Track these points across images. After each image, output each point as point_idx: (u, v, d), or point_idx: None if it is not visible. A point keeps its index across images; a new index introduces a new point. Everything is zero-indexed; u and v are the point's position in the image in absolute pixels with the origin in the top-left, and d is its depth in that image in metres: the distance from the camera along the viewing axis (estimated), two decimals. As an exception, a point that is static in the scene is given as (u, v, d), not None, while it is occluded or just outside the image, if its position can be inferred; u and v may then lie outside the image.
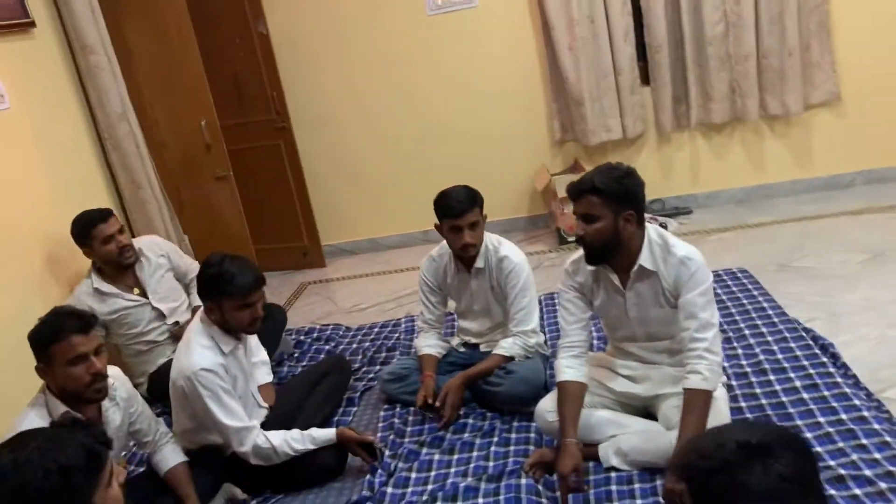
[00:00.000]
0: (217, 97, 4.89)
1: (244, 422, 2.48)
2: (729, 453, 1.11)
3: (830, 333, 3.02)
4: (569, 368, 2.40)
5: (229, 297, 2.46)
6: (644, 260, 2.28)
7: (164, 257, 3.41)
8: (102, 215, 3.16)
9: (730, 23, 4.46)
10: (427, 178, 4.87)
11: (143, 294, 3.29)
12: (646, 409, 2.48)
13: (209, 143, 3.89)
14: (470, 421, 2.79)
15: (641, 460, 2.32)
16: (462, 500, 2.33)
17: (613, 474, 2.33)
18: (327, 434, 2.57)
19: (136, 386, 3.14)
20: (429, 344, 3.00)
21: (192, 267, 3.48)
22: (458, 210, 2.71)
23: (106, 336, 3.23)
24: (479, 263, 2.87)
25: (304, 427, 2.65)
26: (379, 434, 2.81)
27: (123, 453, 2.84)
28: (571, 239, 4.63)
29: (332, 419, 2.99)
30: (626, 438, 2.37)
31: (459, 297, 3.01)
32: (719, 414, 2.27)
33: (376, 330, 3.77)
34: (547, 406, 2.48)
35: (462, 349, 3.08)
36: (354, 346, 3.64)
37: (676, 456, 1.28)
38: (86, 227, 3.14)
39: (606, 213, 2.21)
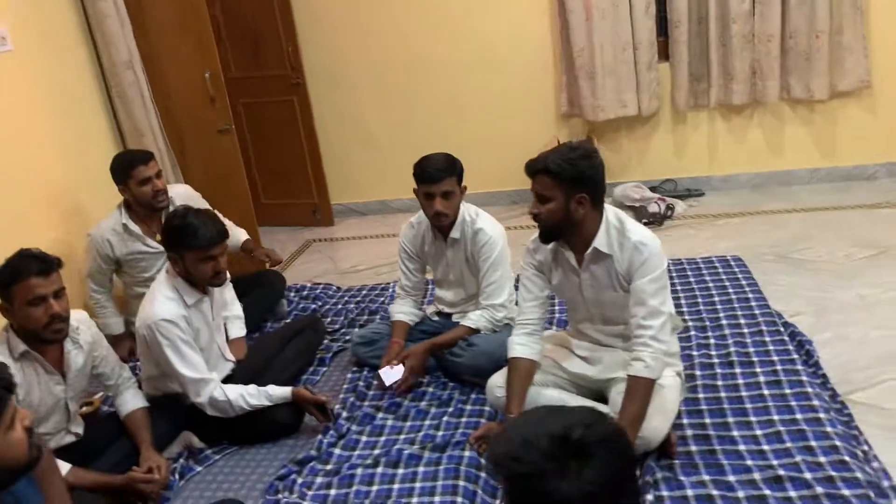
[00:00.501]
0: (234, 50, 4.97)
1: (202, 373, 2.54)
2: (540, 455, 1.07)
3: (813, 330, 2.94)
4: (520, 346, 2.39)
5: (192, 249, 2.51)
6: (599, 242, 2.24)
7: None
8: (144, 157, 3.19)
9: (756, 0, 4.28)
10: (437, 143, 4.78)
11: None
12: (600, 392, 2.46)
13: (213, 96, 3.92)
14: (430, 389, 2.81)
15: (584, 443, 2.31)
16: (404, 466, 2.36)
17: (555, 454, 2.33)
18: (283, 392, 2.62)
19: (129, 324, 3.26)
20: (402, 311, 3.01)
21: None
22: (433, 176, 2.70)
23: (116, 272, 3.34)
24: (455, 234, 2.86)
25: (272, 382, 2.71)
26: (341, 395, 2.85)
27: (99, 394, 2.94)
28: (577, 214, 4.56)
29: (301, 377, 3.05)
30: (571, 420, 2.35)
31: (436, 265, 3.01)
32: (664, 403, 2.25)
33: (364, 293, 3.80)
34: (497, 381, 2.48)
35: (436, 318, 3.09)
36: (339, 306, 3.67)
37: (492, 445, 1.24)
38: (126, 166, 3.16)
39: (558, 195, 2.18)
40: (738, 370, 2.65)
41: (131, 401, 2.61)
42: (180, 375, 2.52)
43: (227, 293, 3.02)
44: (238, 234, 3.45)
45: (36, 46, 3.34)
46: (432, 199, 2.72)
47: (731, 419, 2.39)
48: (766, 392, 2.49)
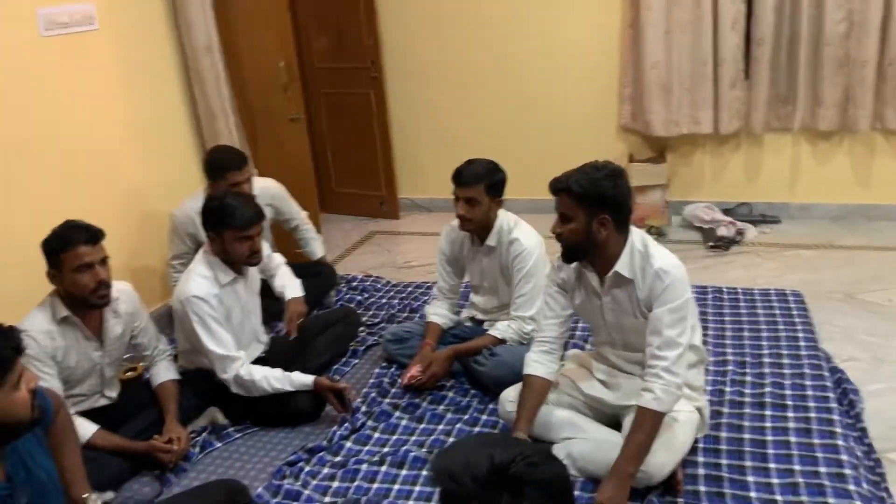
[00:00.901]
0: (319, 42, 5.10)
1: (229, 351, 2.64)
2: (474, 481, 1.07)
3: (864, 379, 2.77)
4: (535, 363, 2.37)
5: (230, 228, 2.60)
6: (621, 266, 2.18)
7: (270, 207, 3.52)
8: (238, 163, 3.24)
9: (854, 22, 4.04)
10: (506, 145, 4.83)
11: None
12: (616, 418, 2.41)
13: (286, 85, 4.04)
14: (450, 394, 2.81)
15: (588, 468, 2.27)
16: (408, 468, 2.38)
17: (559, 476, 2.29)
18: (305, 379, 2.68)
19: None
20: (437, 312, 3.03)
21: (298, 215, 3.66)
22: (459, 180, 2.71)
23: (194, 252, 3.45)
24: (492, 242, 2.84)
25: (301, 369, 2.78)
26: (364, 389, 2.90)
27: (143, 364, 3.08)
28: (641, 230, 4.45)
29: (332, 366, 3.11)
30: (578, 443, 2.31)
31: (472, 271, 3.01)
32: (673, 438, 2.18)
33: (409, 290, 3.83)
34: (509, 396, 2.46)
35: (469, 324, 3.09)
36: (384, 301, 3.72)
37: (438, 456, 1.24)
38: (222, 168, 3.23)
39: (579, 215, 2.14)
40: (768, 412, 2.53)
41: (163, 372, 2.73)
42: (208, 351, 2.62)
43: (279, 266, 3.11)
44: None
45: (121, 26, 3.52)
46: (457, 202, 2.74)
47: (748, 463, 2.29)
48: (792, 439, 2.37)
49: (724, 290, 3.50)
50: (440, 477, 1.10)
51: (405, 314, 3.52)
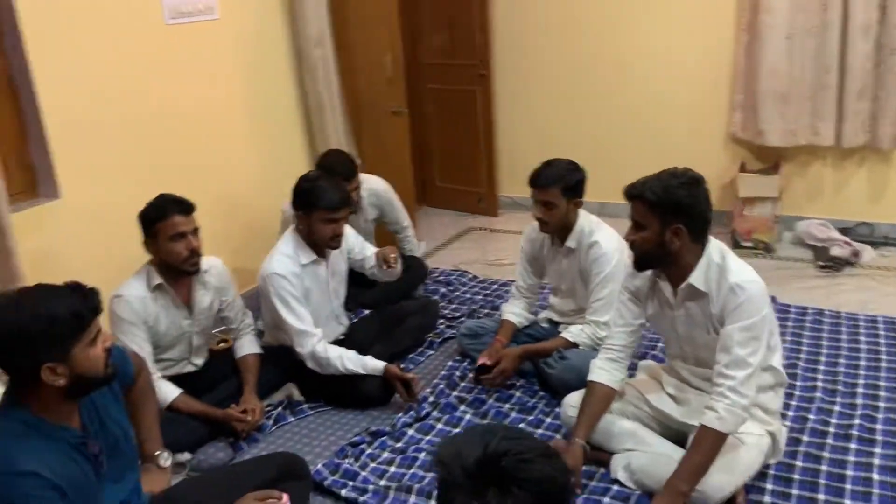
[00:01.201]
0: (432, 37, 5.18)
1: (307, 326, 2.74)
2: (462, 470, 1.06)
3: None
4: (600, 370, 2.32)
5: (318, 209, 2.71)
6: (695, 279, 2.10)
7: (374, 207, 3.69)
8: (348, 174, 3.33)
9: None
10: (609, 149, 4.76)
11: None
12: (683, 435, 2.31)
13: (391, 78, 4.14)
14: (517, 394, 2.80)
15: (645, 483, 2.20)
16: (464, 462, 2.39)
17: (615, 487, 2.25)
18: (377, 364, 2.75)
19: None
20: (512, 311, 3.02)
21: (402, 222, 3.77)
22: (535, 182, 2.69)
23: None
24: (571, 243, 2.81)
25: (378, 355, 2.85)
26: (435, 381, 2.93)
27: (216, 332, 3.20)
28: (747, 244, 4.26)
29: (408, 355, 3.17)
30: (639, 456, 2.25)
31: (551, 272, 2.98)
32: (736, 461, 2.08)
33: (494, 287, 3.84)
34: (572, 401, 2.43)
35: (545, 325, 3.06)
36: (467, 295, 3.75)
37: (441, 443, 1.22)
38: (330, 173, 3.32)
39: (653, 223, 2.07)
40: (853, 445, 2.36)
41: (247, 346, 2.88)
42: (287, 325, 2.74)
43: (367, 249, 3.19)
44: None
45: (240, 17, 3.72)
46: (534, 203, 2.71)
47: (821, 496, 2.15)
48: (875, 477, 2.21)
49: (827, 312, 3.29)
50: (436, 462, 1.11)
51: (486, 310, 3.53)
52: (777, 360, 2.23)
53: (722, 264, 2.10)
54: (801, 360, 2.91)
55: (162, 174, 3.25)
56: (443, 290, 3.82)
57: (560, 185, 2.66)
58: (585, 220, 2.80)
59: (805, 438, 2.41)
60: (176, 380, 2.70)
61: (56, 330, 1.65)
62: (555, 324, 3.03)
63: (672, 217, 2.05)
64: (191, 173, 3.45)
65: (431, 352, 3.22)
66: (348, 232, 3.06)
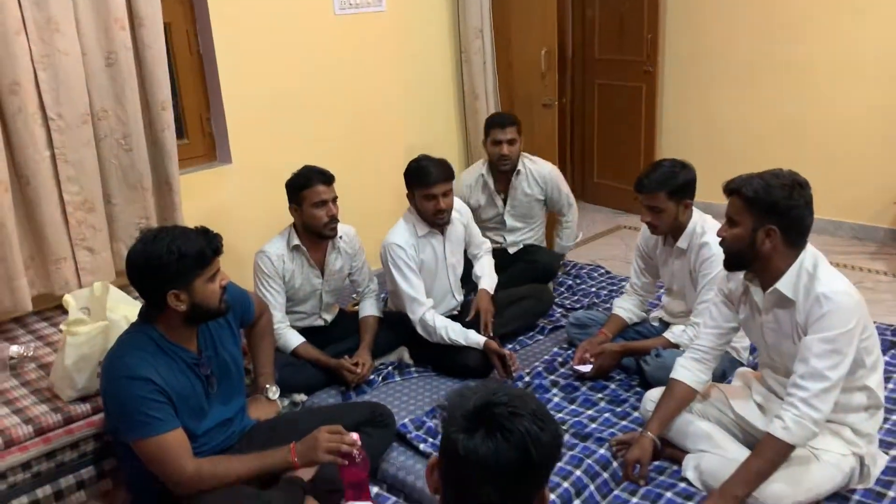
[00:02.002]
0: (602, 34, 5.22)
1: (418, 295, 2.96)
2: (461, 410, 1.18)
3: None
4: (683, 368, 2.33)
5: (420, 186, 2.93)
6: (783, 284, 2.05)
7: (541, 189, 3.82)
8: (503, 121, 3.65)
9: None
10: (781, 156, 4.42)
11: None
12: (765, 445, 2.26)
13: (545, 72, 4.24)
14: (612, 386, 2.84)
15: (712, 485, 2.17)
16: (541, 439, 2.49)
17: (682, 485, 2.24)
18: (478, 338, 2.92)
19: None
20: (623, 306, 3.04)
21: (565, 204, 3.84)
22: (639, 188, 2.70)
23: None
24: (683, 244, 2.78)
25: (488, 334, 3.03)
26: (536, 363, 3.04)
27: (353, 295, 3.47)
28: (917, 268, 3.91)
29: (517, 337, 3.30)
30: (710, 458, 2.23)
31: (663, 272, 2.96)
32: (804, 475, 2.03)
33: (623, 283, 3.83)
34: (652, 395, 2.44)
35: (655, 324, 3.05)
36: (593, 289, 3.79)
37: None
38: (487, 124, 3.71)
39: (746, 220, 2.04)
40: (958, 485, 2.16)
41: (368, 308, 3.16)
42: (400, 290, 2.98)
43: (484, 251, 3.38)
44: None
45: (405, 8, 4.02)
46: (643, 209, 2.71)
47: (903, 530, 2.01)
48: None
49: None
50: (443, 405, 1.25)
51: (606, 305, 3.55)
52: (875, 381, 2.11)
53: (813, 273, 2.02)
54: (933, 392, 2.67)
55: (322, 149, 3.62)
56: (570, 281, 3.88)
57: (665, 189, 2.64)
58: (699, 220, 2.76)
59: (903, 469, 2.24)
60: (306, 332, 3.03)
61: (183, 263, 1.98)
62: (665, 324, 3.01)
63: (766, 217, 2.01)
64: (348, 151, 3.81)
65: (541, 337, 3.32)
66: (469, 222, 3.25)
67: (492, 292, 3.24)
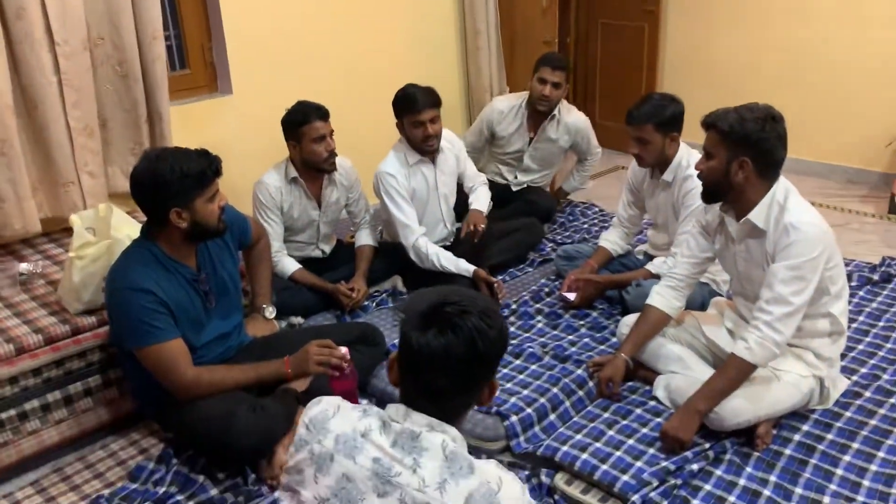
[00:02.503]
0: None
1: (410, 221, 3.05)
2: (416, 310, 1.30)
3: None
4: (658, 295, 2.44)
5: (408, 113, 2.99)
6: (755, 215, 2.14)
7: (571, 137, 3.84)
8: (554, 62, 3.61)
9: None
10: (783, 96, 4.44)
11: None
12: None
13: (545, 8, 4.26)
14: (595, 314, 2.96)
15: (679, 403, 2.30)
16: (522, 360, 2.63)
17: (651, 403, 2.38)
18: (468, 267, 3.02)
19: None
20: (609, 238, 3.15)
21: (589, 150, 3.92)
22: (628, 120, 2.79)
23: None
24: (668, 177, 2.86)
25: (479, 265, 3.13)
26: (524, 293, 3.16)
27: (352, 227, 3.55)
28: (904, 211, 3.98)
29: (508, 269, 3.42)
30: (679, 378, 2.36)
31: (649, 205, 3.05)
32: (763, 393, 2.15)
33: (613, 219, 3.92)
34: (629, 320, 2.56)
35: (640, 256, 3.16)
36: (585, 226, 3.89)
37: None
38: (539, 61, 3.69)
39: (721, 153, 2.12)
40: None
41: (364, 238, 3.27)
42: (393, 217, 3.07)
43: (470, 169, 3.42)
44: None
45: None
46: (631, 140, 2.79)
47: (855, 445, 2.14)
48: (914, 436, 2.15)
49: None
50: (401, 308, 1.37)
51: (596, 240, 3.63)
52: (838, 309, 2.21)
53: (783, 204, 2.11)
54: (903, 324, 2.79)
55: (321, 84, 3.68)
56: (563, 218, 3.98)
57: (653, 122, 2.71)
58: (686, 153, 2.83)
59: (867, 394, 2.36)
60: (304, 263, 3.13)
61: (185, 182, 2.09)
62: (650, 257, 3.11)
63: (740, 149, 2.09)
64: (348, 87, 3.88)
65: (530, 269, 3.43)
66: (461, 154, 3.32)
67: (483, 211, 3.29)
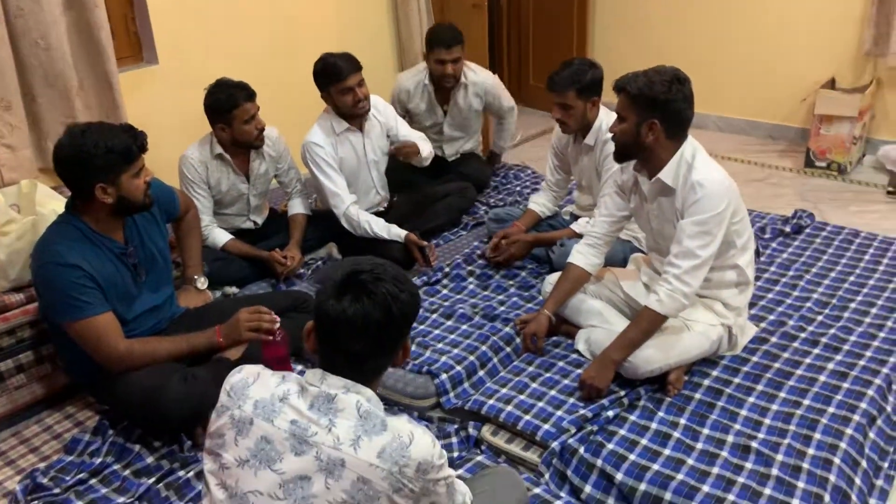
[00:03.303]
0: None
1: (340, 190, 3.10)
2: (332, 280, 1.37)
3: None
4: (578, 253, 2.54)
5: (334, 82, 3.00)
6: (665, 174, 2.24)
7: (478, 98, 3.83)
8: (448, 41, 3.54)
9: None
10: (716, 58, 4.70)
11: None
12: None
13: (475, -28, 4.28)
14: (523, 274, 3.06)
15: (598, 354, 2.43)
16: (453, 321, 2.72)
17: (573, 356, 2.50)
18: (400, 232, 3.10)
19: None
20: (537, 201, 3.24)
21: (505, 107, 3.93)
22: (549, 86, 2.85)
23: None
24: (590, 140, 2.95)
25: (412, 229, 3.20)
26: (457, 256, 3.24)
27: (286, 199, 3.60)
28: (820, 164, 4.17)
29: (441, 233, 3.50)
30: (599, 332, 2.48)
31: (573, 168, 3.14)
32: (674, 343, 2.28)
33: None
34: (552, 279, 2.67)
35: (567, 217, 3.26)
36: (518, 188, 3.98)
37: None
38: (430, 41, 3.62)
39: (631, 116, 2.21)
40: (816, 350, 2.45)
41: (297, 206, 3.30)
42: (323, 187, 3.11)
43: (403, 127, 3.42)
44: None
45: None
46: (553, 106, 2.86)
47: (759, 387, 2.29)
48: (821, 378, 2.31)
49: (862, 234, 3.26)
50: (318, 281, 1.44)
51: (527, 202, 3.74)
52: (744, 261, 2.34)
53: (691, 163, 2.21)
54: (808, 274, 2.96)
55: (249, 53, 3.67)
56: (495, 181, 4.05)
57: (574, 88, 2.78)
58: (605, 117, 2.92)
59: (773, 339, 2.52)
60: (238, 233, 3.16)
61: (110, 158, 2.09)
62: (576, 217, 3.22)
63: (648, 111, 2.17)
64: (276, 55, 3.86)
65: (464, 233, 3.52)
66: (389, 112, 3.33)
67: (414, 141, 3.31)
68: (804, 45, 4.40)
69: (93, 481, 2.10)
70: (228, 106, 2.91)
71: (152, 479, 2.07)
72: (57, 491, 2.04)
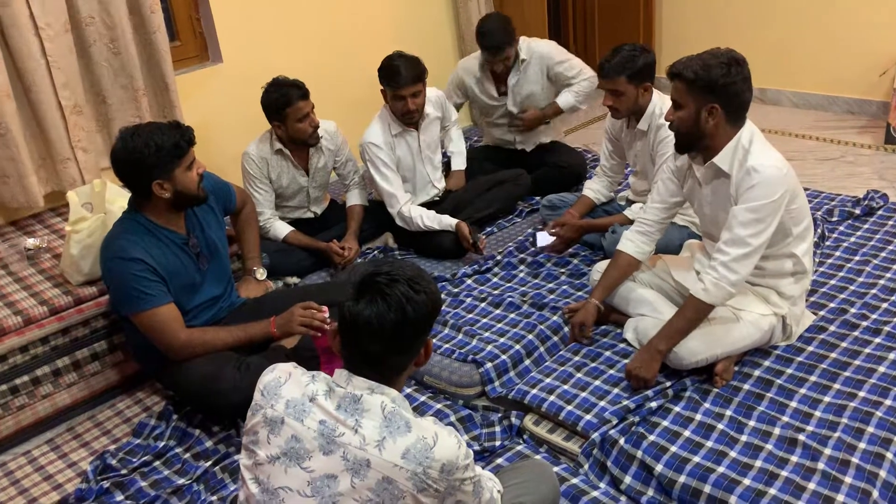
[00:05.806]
0: None
1: (395, 190, 3.17)
2: (353, 282, 1.41)
3: None
4: (628, 240, 2.51)
5: (390, 86, 3.06)
6: (720, 159, 2.18)
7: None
8: (497, 46, 3.42)
9: None
10: (785, 35, 4.51)
11: None
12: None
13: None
14: (575, 261, 3.05)
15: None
16: (502, 309, 2.74)
17: (621, 346, 2.48)
18: (451, 221, 3.14)
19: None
20: (591, 187, 3.20)
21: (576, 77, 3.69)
22: (600, 73, 2.79)
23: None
24: (643, 125, 2.90)
25: (468, 218, 3.25)
26: (510, 244, 3.26)
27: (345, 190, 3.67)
28: (901, 140, 3.96)
29: (496, 221, 3.51)
30: (648, 320, 2.45)
31: (629, 154, 3.09)
32: (720, 333, 2.24)
33: (605, 165, 3.96)
34: (600, 266, 2.65)
35: (622, 203, 3.22)
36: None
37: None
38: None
39: (689, 102, 2.14)
40: (877, 340, 2.35)
41: (354, 198, 3.38)
42: (378, 186, 3.19)
43: (453, 133, 3.52)
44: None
45: None
46: (605, 93, 2.82)
47: (812, 378, 2.22)
48: (881, 369, 2.22)
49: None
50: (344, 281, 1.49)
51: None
52: (801, 250, 2.26)
53: (748, 148, 2.14)
54: (876, 259, 2.83)
55: (309, 48, 3.76)
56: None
57: (625, 74, 2.72)
58: (659, 101, 2.86)
59: (832, 328, 2.43)
60: (298, 224, 3.27)
61: (161, 155, 2.21)
62: (632, 203, 3.18)
63: (708, 96, 2.10)
64: (335, 49, 3.94)
65: (518, 220, 3.52)
66: (447, 112, 3.41)
67: (463, 168, 3.48)
68: (884, 17, 4.17)
69: (156, 463, 2.24)
70: (282, 104, 2.99)
71: (209, 462, 2.20)
72: (124, 472, 2.20)
